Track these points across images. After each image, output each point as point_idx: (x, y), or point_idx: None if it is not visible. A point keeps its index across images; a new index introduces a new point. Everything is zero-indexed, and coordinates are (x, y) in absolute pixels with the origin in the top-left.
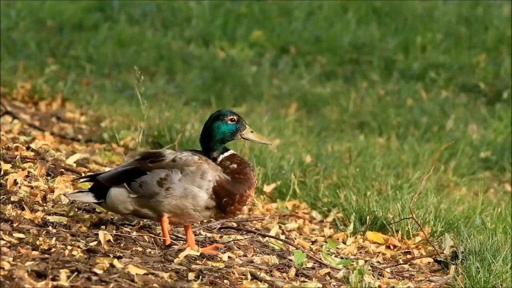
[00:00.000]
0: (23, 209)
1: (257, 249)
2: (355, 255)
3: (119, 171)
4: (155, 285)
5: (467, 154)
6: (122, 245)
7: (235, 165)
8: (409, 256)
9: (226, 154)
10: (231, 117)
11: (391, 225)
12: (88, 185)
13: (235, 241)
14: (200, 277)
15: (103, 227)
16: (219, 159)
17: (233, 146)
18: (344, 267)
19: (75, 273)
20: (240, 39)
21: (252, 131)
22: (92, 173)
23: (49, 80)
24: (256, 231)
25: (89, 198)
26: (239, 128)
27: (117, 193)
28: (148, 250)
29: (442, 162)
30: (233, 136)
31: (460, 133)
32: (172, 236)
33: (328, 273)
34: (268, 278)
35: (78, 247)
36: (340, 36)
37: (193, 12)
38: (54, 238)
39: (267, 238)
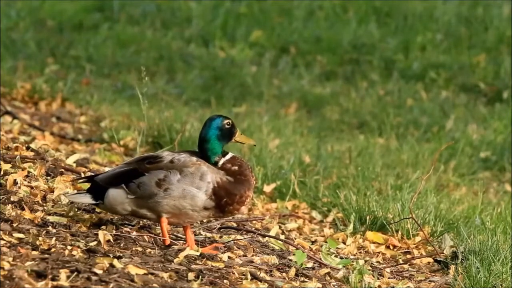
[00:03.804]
0: (23, 209)
1: (257, 249)
2: (355, 255)
3: (117, 172)
4: (155, 285)
5: (467, 154)
6: (122, 245)
7: (236, 167)
8: (409, 256)
9: (227, 157)
10: (227, 121)
11: (391, 225)
12: (88, 185)
13: (235, 241)
14: (200, 277)
15: (103, 227)
16: (221, 162)
17: (232, 145)
18: (344, 267)
19: (75, 273)
20: (240, 39)
21: (241, 133)
22: (90, 174)
23: (49, 80)
24: (256, 231)
25: (87, 199)
26: (234, 132)
27: (115, 194)
28: (148, 250)
29: (442, 162)
30: (229, 140)
31: (460, 133)
32: (171, 236)
33: (328, 273)
34: (268, 278)
35: (78, 247)
36: (340, 36)
37: (193, 12)
38: (54, 238)
39: (267, 238)
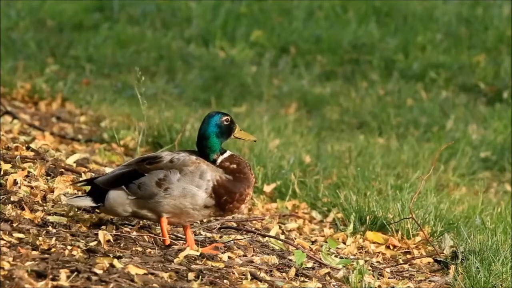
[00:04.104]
0: (23, 209)
1: (257, 249)
2: (355, 255)
3: (117, 173)
4: (155, 285)
5: (467, 154)
6: (122, 245)
7: (234, 166)
8: (409, 256)
9: (225, 155)
10: (226, 117)
11: (391, 225)
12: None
13: (235, 241)
14: (200, 277)
15: (103, 227)
16: (219, 160)
17: (232, 145)
18: (344, 267)
19: (75, 273)
20: (240, 39)
21: (241, 130)
22: (89, 178)
23: (49, 80)
24: (256, 231)
25: (88, 202)
26: (233, 128)
27: (116, 196)
28: (148, 250)
29: (442, 162)
30: (228, 136)
31: (460, 133)
32: (172, 236)
33: (328, 273)
34: (268, 278)
35: (78, 247)
36: (340, 36)
37: (193, 12)
38: (54, 238)
39: (267, 238)
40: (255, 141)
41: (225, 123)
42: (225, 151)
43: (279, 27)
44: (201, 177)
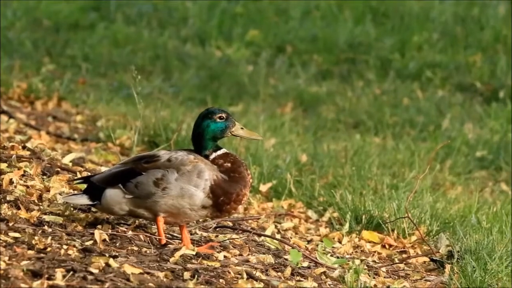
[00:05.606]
0: (18, 208)
1: (253, 248)
2: (350, 255)
3: (114, 172)
4: (150, 284)
5: (463, 153)
6: (117, 244)
7: (229, 164)
8: (404, 256)
9: (219, 152)
10: (220, 114)
11: (386, 224)
12: (84, 185)
13: (231, 240)
14: (196, 276)
15: (98, 226)
16: (212, 157)
17: (228, 144)
18: (340, 266)
19: (71, 272)
20: (236, 38)
21: (242, 128)
22: (86, 175)
23: (45, 80)
24: (252, 230)
25: (84, 200)
26: (229, 125)
27: (112, 194)
28: (144, 249)
29: (438, 161)
30: (223, 133)
31: (456, 132)
32: (167, 235)
33: (324, 272)
34: (263, 277)
35: (74, 246)
36: (336, 36)
37: (189, 11)
38: (49, 238)
39: (262, 237)
40: (259, 139)
41: (219, 120)
42: (219, 148)
43: (275, 27)
44: (199, 176)
